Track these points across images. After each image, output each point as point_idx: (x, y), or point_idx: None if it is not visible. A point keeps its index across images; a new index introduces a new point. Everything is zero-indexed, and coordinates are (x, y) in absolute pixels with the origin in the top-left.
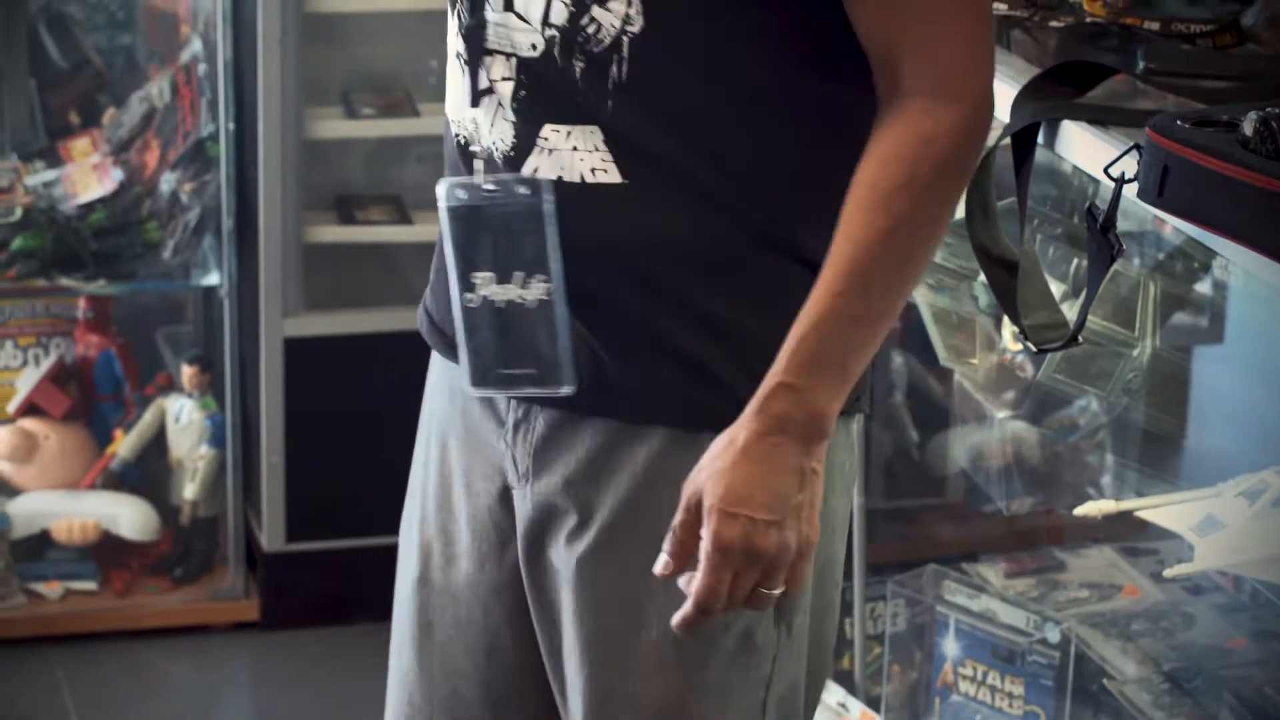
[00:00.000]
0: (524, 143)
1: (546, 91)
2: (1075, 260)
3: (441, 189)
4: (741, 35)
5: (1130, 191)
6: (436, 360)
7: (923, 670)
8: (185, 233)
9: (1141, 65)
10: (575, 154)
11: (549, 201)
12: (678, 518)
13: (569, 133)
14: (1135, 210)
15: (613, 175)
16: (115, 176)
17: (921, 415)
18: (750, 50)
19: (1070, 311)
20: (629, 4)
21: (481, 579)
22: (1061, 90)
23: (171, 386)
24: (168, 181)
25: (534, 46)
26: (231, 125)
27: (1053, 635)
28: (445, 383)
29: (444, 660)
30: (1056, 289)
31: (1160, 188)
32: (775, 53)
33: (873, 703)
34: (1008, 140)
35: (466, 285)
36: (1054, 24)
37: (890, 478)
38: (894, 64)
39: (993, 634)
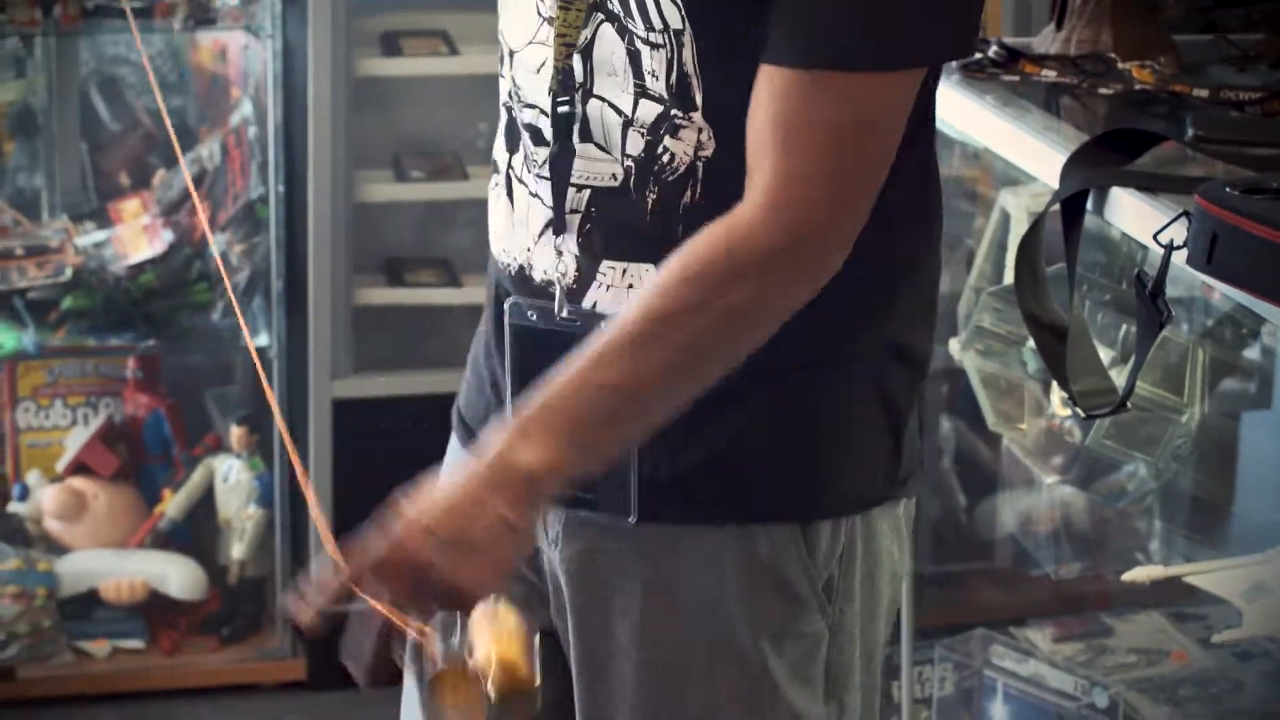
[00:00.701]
0: (585, 277)
1: (610, 224)
2: (1124, 326)
3: (509, 304)
4: None
5: (1179, 258)
6: (457, 448)
7: None
8: (235, 294)
9: (1190, 132)
10: (631, 291)
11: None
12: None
13: (625, 270)
14: (1184, 277)
15: None
16: (165, 238)
17: (969, 480)
18: None
19: (1119, 377)
20: (699, 131)
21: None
22: (1111, 157)
23: (220, 447)
24: (218, 243)
25: (614, 176)
26: (281, 188)
27: (1101, 700)
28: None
29: None
30: (1105, 355)
31: (1209, 254)
32: None
33: None
34: (1057, 207)
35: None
36: (1103, 91)
37: (938, 542)
38: (749, 164)
39: (1041, 698)
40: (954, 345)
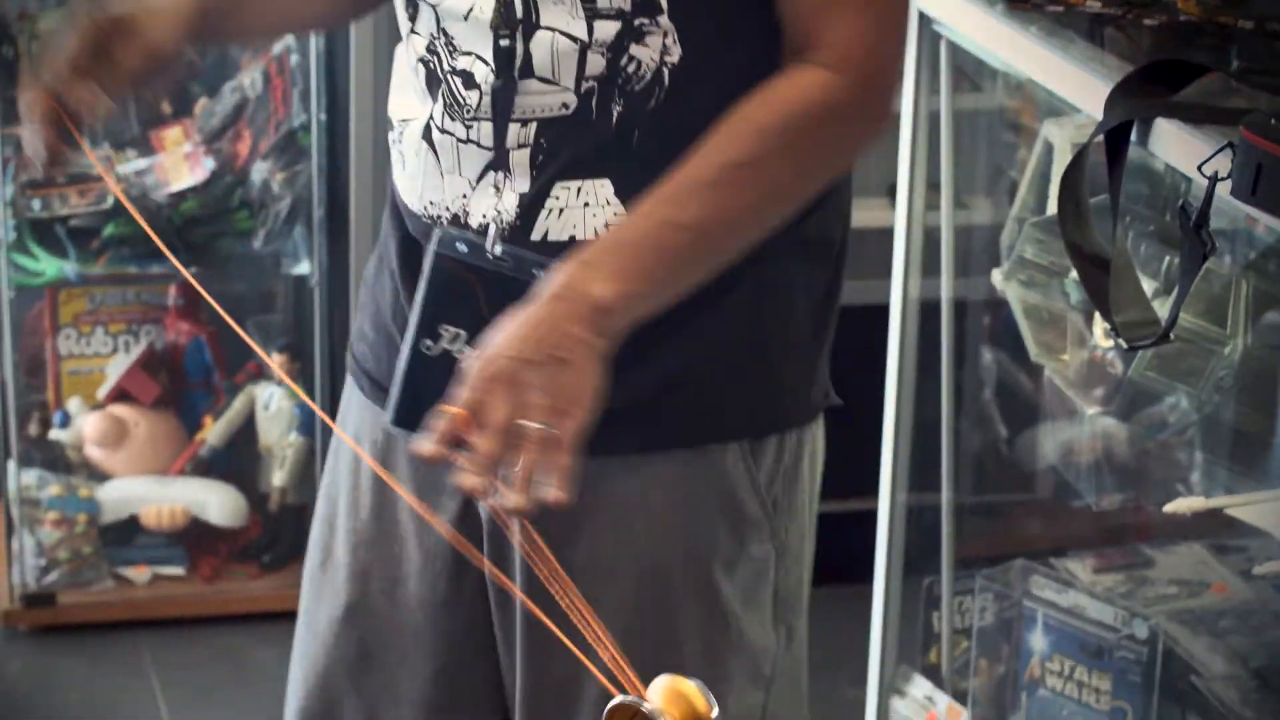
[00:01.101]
0: (530, 210)
1: (563, 150)
2: (1167, 258)
3: (439, 234)
4: (764, 50)
5: (1223, 190)
6: (357, 400)
7: (1010, 665)
8: (276, 222)
9: (1236, 64)
10: (587, 210)
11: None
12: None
13: (579, 189)
14: (1228, 208)
15: None
16: (207, 166)
17: (1010, 411)
18: (771, 64)
19: (1162, 309)
20: (665, 35)
21: (434, 598)
22: (1155, 88)
23: (261, 375)
24: (259, 171)
25: (565, 106)
26: (323, 115)
27: (1141, 631)
28: (372, 408)
29: (388, 690)
30: (1148, 286)
31: (1254, 186)
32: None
33: (959, 697)
34: (1101, 138)
35: (430, 332)
36: (1148, 22)
37: (979, 473)
38: (802, 37)
39: (1081, 629)
40: (996, 276)
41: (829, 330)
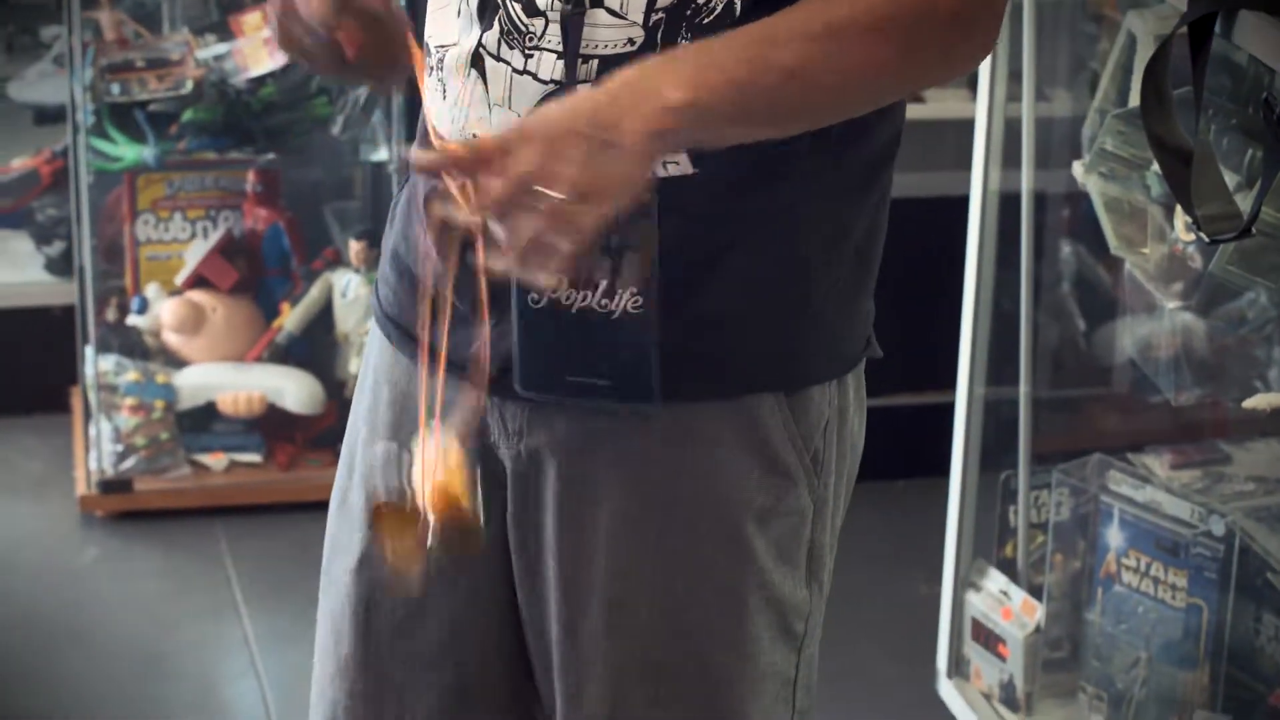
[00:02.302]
0: None
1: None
2: (1250, 151)
3: None
4: None
5: None
6: (384, 348)
7: (1086, 560)
8: (354, 109)
9: None
10: None
11: (656, 209)
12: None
13: None
14: None
15: (685, 166)
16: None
17: (1089, 304)
18: None
19: (1244, 203)
20: None
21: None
22: None
23: (339, 261)
24: None
25: (631, 41)
26: (403, 2)
27: (1217, 528)
28: (393, 353)
29: (395, 645)
30: (1230, 180)
31: None
32: None
33: (1035, 591)
34: (1184, 29)
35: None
36: None
37: (1056, 367)
38: None
39: (1157, 525)
40: (1077, 168)
41: (872, 274)
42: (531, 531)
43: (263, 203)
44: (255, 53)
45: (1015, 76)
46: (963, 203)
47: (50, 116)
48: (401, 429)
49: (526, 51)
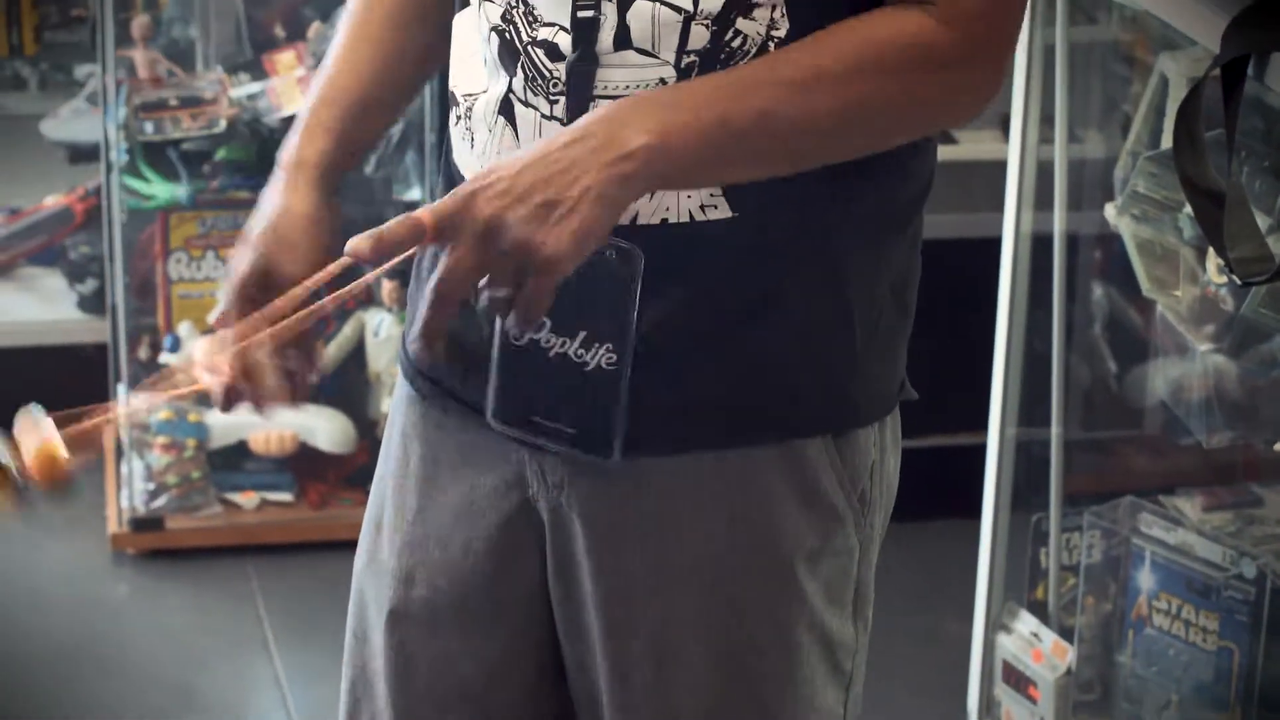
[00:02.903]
0: None
1: None
2: None
3: None
4: None
5: None
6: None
7: (1117, 602)
8: (388, 147)
9: None
10: (682, 192)
11: (639, 274)
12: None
13: None
14: None
15: (722, 210)
16: None
17: (1120, 346)
18: None
19: (1276, 245)
20: (774, 8)
21: (482, 607)
22: (1273, 21)
23: (371, 300)
24: None
25: (663, 81)
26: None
27: (1249, 570)
28: (424, 408)
29: (429, 699)
30: (1262, 222)
31: None
32: None
33: (1065, 633)
34: (1217, 72)
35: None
36: None
37: (1088, 408)
38: None
39: (1189, 568)
40: (1109, 210)
41: (910, 315)
42: (574, 584)
43: None
44: (288, 91)
45: (1048, 118)
46: (995, 244)
47: (84, 154)
48: (435, 484)
49: (551, 97)
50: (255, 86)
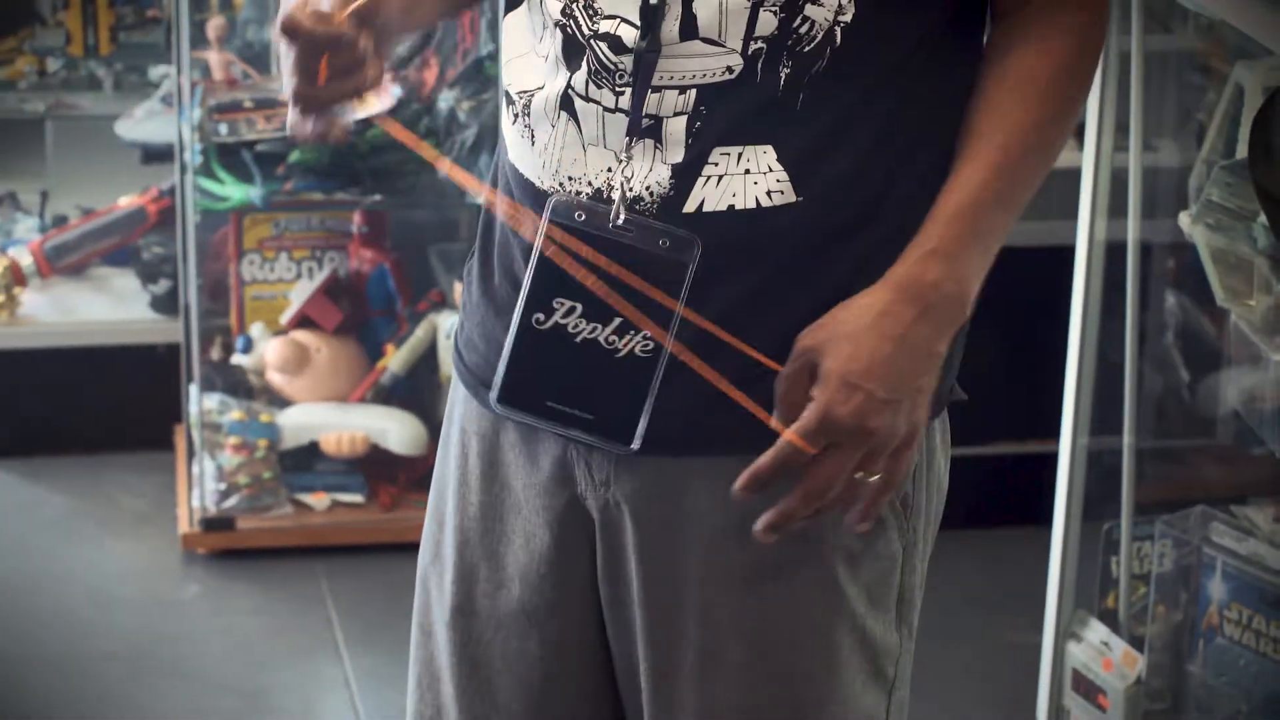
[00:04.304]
0: (685, 180)
1: (727, 115)
2: None
3: (553, 203)
4: (934, 12)
5: None
6: (461, 384)
7: (1188, 612)
8: (461, 150)
9: None
10: (748, 177)
11: (693, 262)
12: (788, 368)
13: (740, 155)
14: None
15: (788, 194)
16: (393, 93)
17: (1193, 355)
18: (938, 20)
19: None
20: None
21: (539, 602)
22: None
23: (444, 303)
24: (445, 99)
25: (729, 70)
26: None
27: None
28: (479, 407)
29: (491, 694)
30: None
31: None
32: (954, 21)
33: (1136, 642)
34: None
35: (541, 306)
36: None
37: (1160, 417)
38: None
39: (1260, 578)
40: (1184, 219)
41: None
42: (622, 582)
43: (368, 244)
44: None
45: (1122, 127)
46: (1069, 252)
47: (157, 155)
48: (495, 480)
49: (617, 90)
50: None
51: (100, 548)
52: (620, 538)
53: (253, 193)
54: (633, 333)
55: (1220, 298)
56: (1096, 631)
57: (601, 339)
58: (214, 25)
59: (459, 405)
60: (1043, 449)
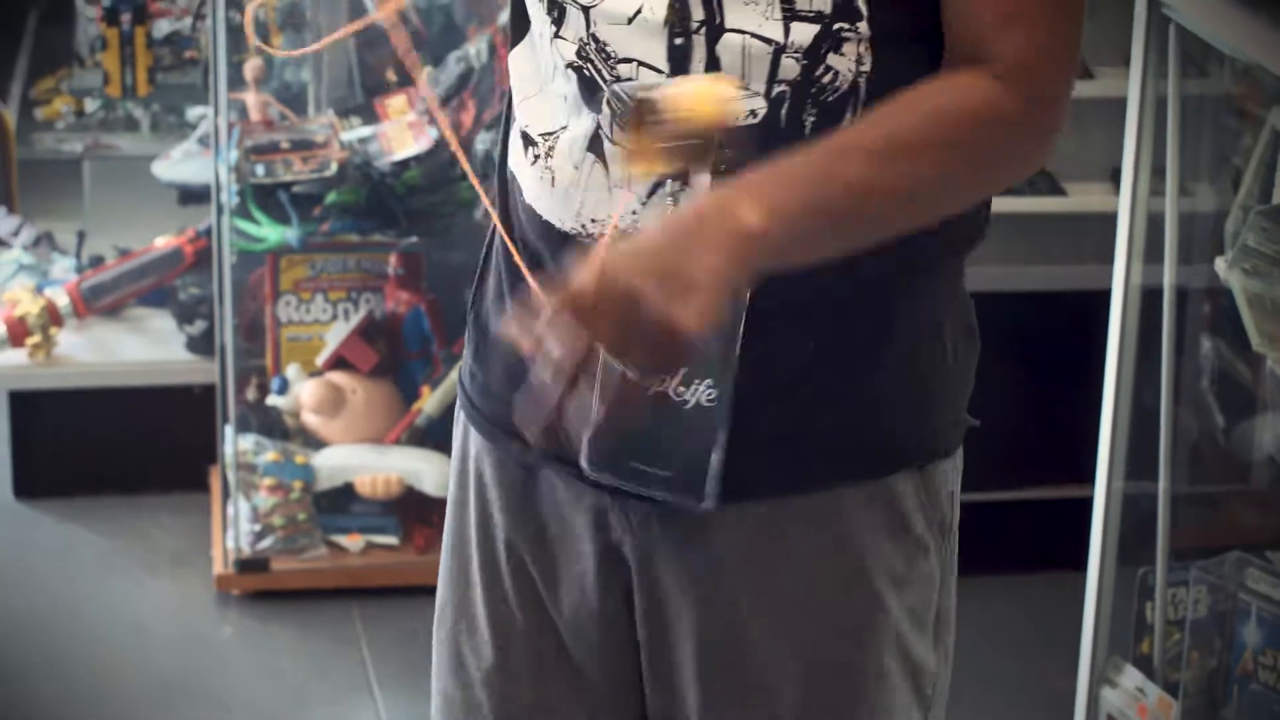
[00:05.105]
0: None
1: (752, 159)
2: None
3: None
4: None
5: None
6: (476, 439)
7: (1222, 658)
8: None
9: None
10: None
11: (745, 308)
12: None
13: None
14: None
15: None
16: (430, 135)
17: (1228, 400)
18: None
19: None
20: (860, 43)
21: (586, 644)
22: None
23: None
24: (483, 141)
25: (753, 113)
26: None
27: None
28: (496, 458)
29: None
30: None
31: None
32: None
33: (1170, 688)
34: None
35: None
36: None
37: (1194, 463)
38: (971, 47)
39: None
40: (1220, 264)
41: (976, 351)
42: (661, 625)
43: (404, 285)
44: (400, 136)
45: (1158, 171)
46: (1104, 296)
47: (194, 196)
48: (524, 534)
49: None
50: (366, 130)
51: (136, 588)
52: (662, 580)
53: (289, 234)
54: (697, 382)
55: (1256, 343)
56: (1131, 677)
57: (670, 390)
58: (251, 67)
59: (468, 444)
60: (1078, 494)
